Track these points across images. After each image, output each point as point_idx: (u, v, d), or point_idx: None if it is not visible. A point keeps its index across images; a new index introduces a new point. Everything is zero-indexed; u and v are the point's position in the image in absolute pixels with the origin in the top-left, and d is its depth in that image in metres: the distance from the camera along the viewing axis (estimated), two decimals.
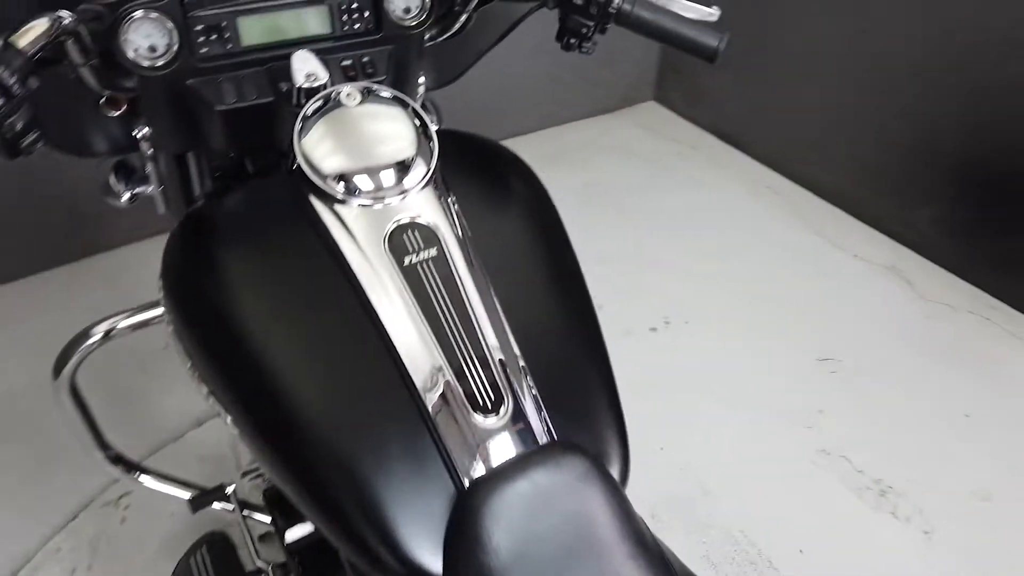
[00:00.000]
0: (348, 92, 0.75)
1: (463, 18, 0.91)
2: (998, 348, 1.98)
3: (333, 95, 0.75)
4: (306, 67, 0.79)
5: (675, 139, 2.89)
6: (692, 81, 2.96)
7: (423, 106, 1.08)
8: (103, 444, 1.10)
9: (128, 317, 1.01)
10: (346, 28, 0.87)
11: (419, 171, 0.74)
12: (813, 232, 2.40)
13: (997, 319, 2.07)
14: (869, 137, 2.34)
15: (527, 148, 2.89)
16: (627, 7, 0.78)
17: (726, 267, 2.24)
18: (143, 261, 2.10)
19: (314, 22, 0.86)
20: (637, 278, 2.19)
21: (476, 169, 0.86)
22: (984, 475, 1.67)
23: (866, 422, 1.78)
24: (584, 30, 0.79)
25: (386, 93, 0.77)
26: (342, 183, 0.72)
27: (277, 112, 0.84)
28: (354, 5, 0.87)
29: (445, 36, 0.95)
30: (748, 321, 2.06)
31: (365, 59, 0.89)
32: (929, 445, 1.73)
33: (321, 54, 0.85)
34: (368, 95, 0.76)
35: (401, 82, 0.94)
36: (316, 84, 0.77)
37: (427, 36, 0.94)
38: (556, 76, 2.85)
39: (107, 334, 1.00)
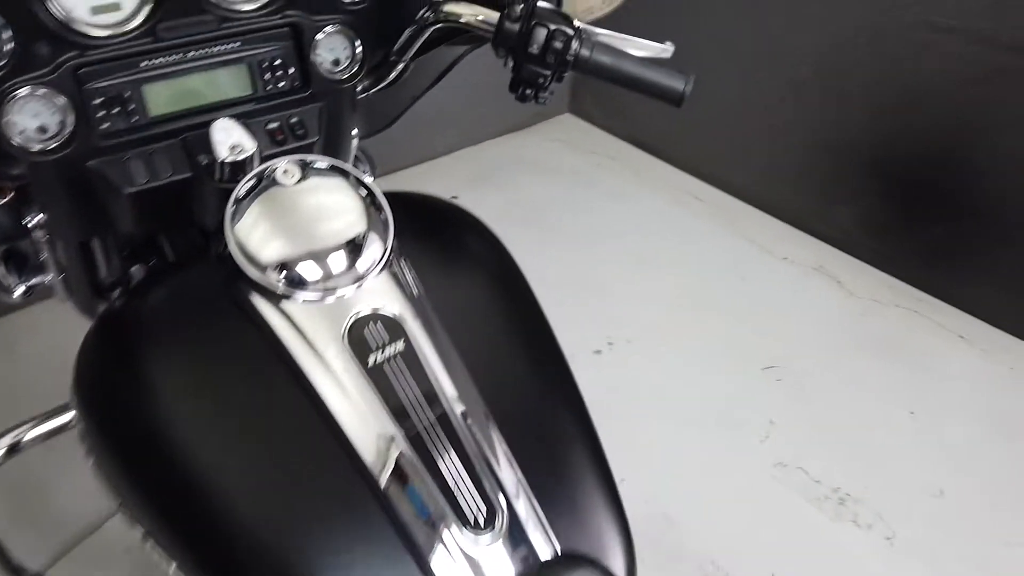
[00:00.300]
0: (284, 169, 0.66)
1: (400, 67, 0.82)
2: (929, 340, 2.03)
3: (267, 172, 0.66)
4: (229, 137, 0.69)
5: (593, 151, 2.87)
6: (607, 92, 2.94)
7: (356, 157, 0.99)
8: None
9: (35, 427, 0.88)
10: (269, 88, 0.78)
11: (374, 252, 0.65)
12: (740, 237, 2.41)
13: (924, 311, 2.12)
14: (784, 138, 2.37)
15: (445, 170, 2.82)
16: (585, 53, 0.72)
17: (660, 279, 2.22)
18: (35, 328, 1.91)
19: (232, 84, 0.76)
20: (574, 299, 2.14)
21: (435, 238, 0.78)
22: (933, 471, 1.69)
23: (816, 429, 1.78)
24: (540, 80, 0.72)
25: (324, 163, 0.68)
26: (285, 275, 0.62)
27: (198, 189, 0.74)
28: (277, 62, 0.77)
29: (379, 87, 0.86)
30: (689, 334, 2.04)
31: (293, 120, 0.79)
32: (879, 446, 1.75)
33: (243, 118, 0.75)
34: (307, 168, 0.67)
35: (334, 140, 0.85)
36: (242, 156, 0.68)
37: (360, 88, 0.85)
38: (468, 94, 2.77)
39: (11, 449, 0.87)
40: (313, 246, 0.63)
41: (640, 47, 0.81)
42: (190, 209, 0.75)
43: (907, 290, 2.19)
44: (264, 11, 0.74)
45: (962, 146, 1.99)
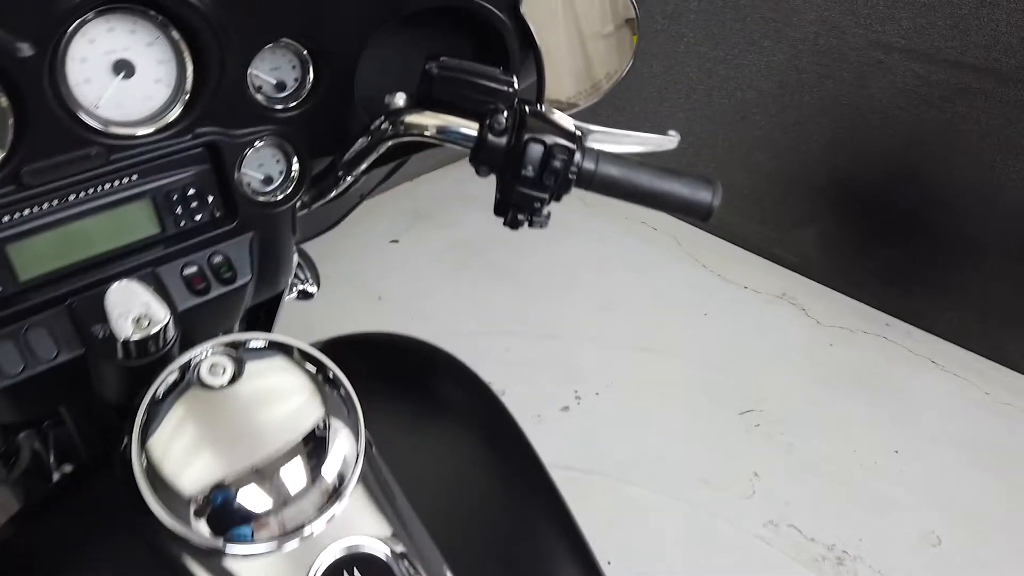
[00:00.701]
0: (212, 363, 0.49)
1: (349, 180, 0.66)
2: (901, 368, 1.97)
3: (193, 366, 0.49)
4: (131, 307, 0.51)
5: None
6: None
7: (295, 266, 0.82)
8: None
9: None
10: (183, 223, 0.60)
11: (337, 461, 0.49)
12: (699, 266, 2.31)
13: (892, 336, 2.06)
14: (738, 163, 2.27)
15: (380, 211, 2.63)
16: (589, 167, 0.58)
17: (620, 320, 2.10)
18: None
19: (132, 225, 0.59)
20: (535, 349, 1.99)
21: (408, 400, 0.62)
22: (926, 515, 1.62)
23: (802, 479, 1.68)
24: (536, 204, 0.58)
25: (261, 342, 0.52)
26: (220, 517, 0.46)
27: (95, 365, 0.56)
28: (190, 191, 0.60)
29: (323, 201, 0.69)
30: (659, 379, 1.92)
31: (217, 259, 0.62)
32: (868, 492, 1.66)
33: (150, 266, 0.58)
34: (240, 355, 0.50)
35: (271, 275, 0.68)
36: (152, 330, 0.51)
37: (299, 204, 0.68)
38: None
39: None
40: (258, 467, 0.47)
41: (643, 142, 0.67)
42: (86, 390, 0.57)
43: (873, 314, 2.12)
44: (168, 133, 0.57)
45: (920, 166, 1.93)
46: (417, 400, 0.63)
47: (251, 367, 0.50)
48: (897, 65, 1.84)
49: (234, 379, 0.49)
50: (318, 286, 0.87)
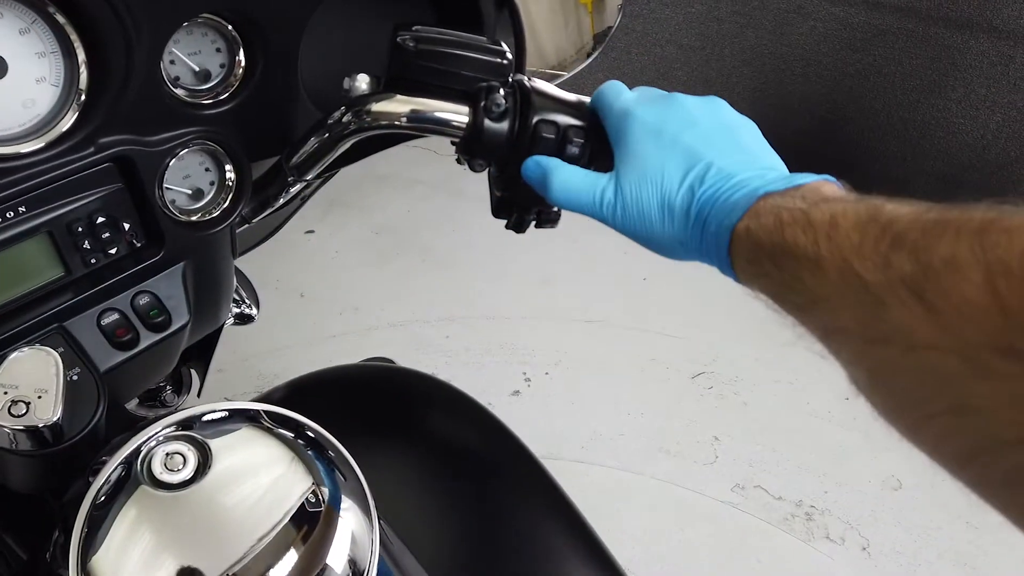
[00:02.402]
0: (168, 451, 0.37)
1: (299, 187, 0.54)
2: None
3: (142, 458, 0.38)
4: (28, 376, 0.39)
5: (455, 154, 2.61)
6: None
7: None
8: None
9: None
10: (93, 260, 0.47)
11: (349, 552, 0.39)
12: None
13: None
14: None
15: None
16: (601, 148, 0.48)
17: (561, 293, 2.03)
18: None
19: (27, 267, 0.45)
20: (477, 333, 1.90)
21: (406, 439, 0.52)
22: (884, 460, 1.63)
23: (762, 438, 1.67)
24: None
25: (220, 412, 0.40)
26: None
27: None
28: (99, 219, 0.47)
29: (268, 212, 0.57)
30: (607, 352, 1.86)
31: (143, 301, 0.49)
32: (826, 444, 1.66)
33: (58, 319, 0.45)
34: (199, 436, 0.39)
35: (210, 309, 0.55)
36: (39, 423, 0.39)
37: (238, 219, 0.56)
38: None
39: None
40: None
41: None
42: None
43: None
44: (62, 148, 0.44)
45: (844, 111, 1.92)
46: (416, 443, 0.52)
47: (215, 450, 0.38)
48: (817, 9, 1.81)
49: (197, 471, 0.37)
50: (258, 308, 0.74)
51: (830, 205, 0.39)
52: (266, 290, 1.97)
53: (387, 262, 2.12)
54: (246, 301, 0.73)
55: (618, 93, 0.49)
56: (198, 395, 0.78)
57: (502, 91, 0.45)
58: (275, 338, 1.83)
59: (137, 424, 0.42)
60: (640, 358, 1.85)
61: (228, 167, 0.51)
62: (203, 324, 0.56)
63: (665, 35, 2.06)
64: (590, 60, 0.67)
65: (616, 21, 0.68)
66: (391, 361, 0.86)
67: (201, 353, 0.71)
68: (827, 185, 0.44)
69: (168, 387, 0.73)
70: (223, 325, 0.63)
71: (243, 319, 0.74)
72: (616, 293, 2.04)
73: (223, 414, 0.40)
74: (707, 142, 0.46)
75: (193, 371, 0.75)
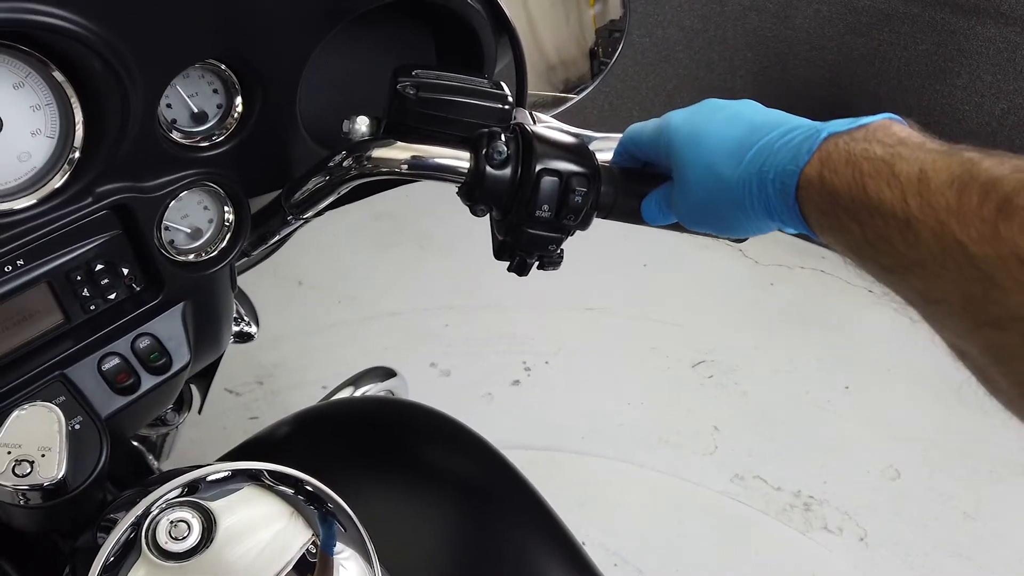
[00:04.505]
0: (172, 519, 0.37)
1: (298, 224, 0.53)
2: (842, 302, 1.97)
3: (147, 527, 0.37)
4: (26, 444, 0.39)
5: None
6: None
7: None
8: None
9: None
10: (92, 307, 0.47)
11: None
12: None
13: (829, 268, 2.06)
14: (662, 106, 2.20)
15: None
16: (610, 193, 0.47)
17: (561, 281, 2.01)
18: None
19: (29, 316, 0.45)
20: (476, 322, 1.90)
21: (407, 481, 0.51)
22: (882, 449, 1.64)
23: (761, 427, 1.68)
24: (552, 246, 0.47)
25: (222, 472, 0.40)
26: None
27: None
28: (97, 266, 0.46)
29: (265, 247, 0.56)
30: (607, 340, 1.86)
31: (144, 344, 0.49)
32: (825, 433, 1.67)
33: (59, 367, 0.45)
34: (203, 493, 0.39)
35: (209, 346, 0.55)
36: (44, 481, 0.39)
37: (236, 255, 0.55)
38: None
39: None
40: None
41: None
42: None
43: (808, 248, 2.11)
44: (59, 201, 0.43)
45: (848, 95, 1.90)
46: (417, 481, 0.52)
47: (218, 512, 0.38)
48: None
49: (201, 538, 0.37)
50: (257, 325, 0.74)
51: (914, 154, 0.34)
52: (264, 278, 1.97)
53: (385, 250, 2.11)
54: (245, 319, 0.73)
55: (643, 124, 0.50)
56: (199, 412, 0.78)
57: (503, 137, 0.45)
58: (273, 327, 1.82)
59: (145, 481, 0.42)
60: (640, 346, 1.85)
61: (227, 208, 0.50)
62: (204, 358, 0.56)
63: (667, 16, 2.03)
64: (596, 83, 0.66)
65: (620, 15, 0.67)
66: (393, 372, 0.86)
67: (203, 371, 0.71)
68: (896, 124, 0.39)
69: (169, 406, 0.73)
70: (222, 356, 0.63)
71: (243, 337, 0.73)
72: (616, 281, 2.03)
73: (226, 474, 0.40)
74: (751, 115, 0.44)
75: (194, 387, 0.75)
